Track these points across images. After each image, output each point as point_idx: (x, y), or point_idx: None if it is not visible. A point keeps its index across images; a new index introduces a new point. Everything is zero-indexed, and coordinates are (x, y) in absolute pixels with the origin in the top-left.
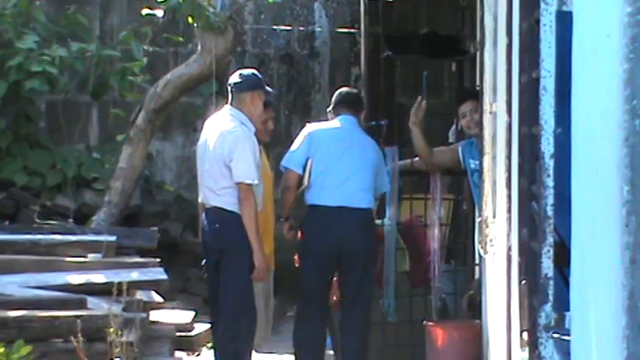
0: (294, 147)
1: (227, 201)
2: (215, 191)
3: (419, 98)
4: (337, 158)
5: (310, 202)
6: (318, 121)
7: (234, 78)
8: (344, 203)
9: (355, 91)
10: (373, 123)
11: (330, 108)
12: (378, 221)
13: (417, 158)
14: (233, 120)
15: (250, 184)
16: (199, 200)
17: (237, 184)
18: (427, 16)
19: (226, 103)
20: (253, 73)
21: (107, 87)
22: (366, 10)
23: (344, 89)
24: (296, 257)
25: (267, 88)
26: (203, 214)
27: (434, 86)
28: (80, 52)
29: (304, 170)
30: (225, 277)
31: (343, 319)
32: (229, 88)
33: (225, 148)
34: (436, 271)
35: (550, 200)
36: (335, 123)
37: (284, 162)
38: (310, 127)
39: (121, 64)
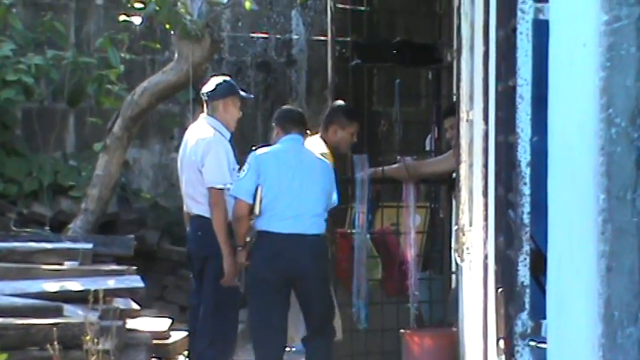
0: (242, 174)
1: (207, 209)
2: (195, 199)
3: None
4: (287, 184)
5: (260, 229)
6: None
7: (207, 87)
8: (295, 230)
9: (299, 110)
10: None
11: (278, 124)
12: (349, 230)
13: (390, 166)
14: (208, 128)
15: (221, 189)
16: (184, 209)
17: (208, 188)
18: (403, 24)
19: (202, 112)
20: (225, 81)
21: (83, 94)
22: (333, 18)
23: (289, 107)
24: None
25: (243, 93)
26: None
27: (410, 94)
28: (56, 59)
29: (254, 199)
30: (206, 284)
31: (307, 351)
32: (203, 98)
33: (199, 154)
34: (413, 279)
35: (526, 208)
36: (281, 145)
37: (232, 191)
38: (257, 153)
39: (97, 72)
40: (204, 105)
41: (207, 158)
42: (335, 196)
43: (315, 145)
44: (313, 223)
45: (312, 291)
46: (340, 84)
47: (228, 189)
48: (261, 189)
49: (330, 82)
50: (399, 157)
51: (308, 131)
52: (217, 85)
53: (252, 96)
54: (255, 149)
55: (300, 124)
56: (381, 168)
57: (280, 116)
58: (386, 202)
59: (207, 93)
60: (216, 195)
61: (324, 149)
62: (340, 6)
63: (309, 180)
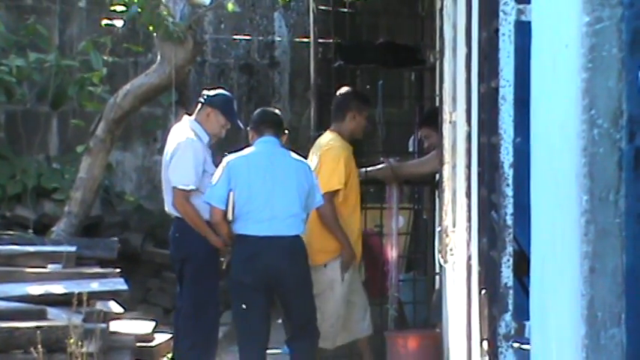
0: (214, 180)
1: None
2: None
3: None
4: (259, 187)
5: (237, 232)
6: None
7: (211, 91)
8: (271, 232)
9: (275, 111)
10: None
11: (252, 127)
12: None
13: (374, 167)
14: (186, 130)
15: (183, 190)
16: (166, 211)
17: (172, 188)
18: (386, 25)
19: (185, 113)
20: (227, 96)
21: (66, 97)
22: (315, 19)
23: (267, 109)
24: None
25: (235, 118)
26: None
27: (393, 96)
28: (38, 62)
29: (227, 205)
30: (185, 285)
31: (290, 353)
32: (201, 98)
33: (170, 155)
34: (393, 280)
35: (509, 209)
36: (254, 149)
37: (206, 197)
38: (228, 158)
39: (80, 75)
40: (196, 105)
41: (174, 158)
42: (318, 196)
43: (327, 140)
44: (289, 224)
45: (292, 292)
46: (323, 85)
47: (193, 189)
48: (233, 194)
49: (313, 83)
50: (382, 159)
51: (285, 132)
52: (217, 95)
53: (241, 127)
54: (228, 154)
55: (273, 126)
56: (364, 169)
57: (254, 119)
58: (369, 204)
59: (206, 95)
60: (178, 195)
61: (337, 142)
62: (323, 7)
63: (282, 181)
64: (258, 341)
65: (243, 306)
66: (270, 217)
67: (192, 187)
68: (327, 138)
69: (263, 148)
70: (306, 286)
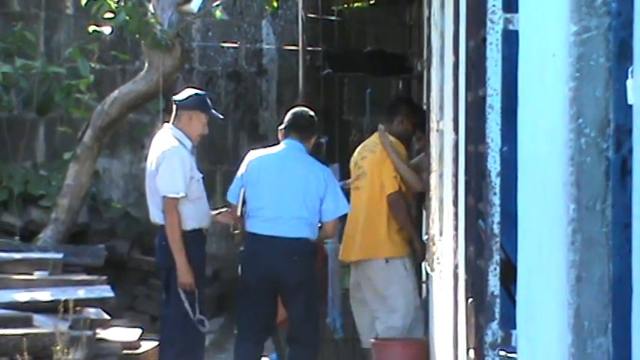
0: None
1: None
2: (158, 208)
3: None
4: (268, 186)
5: (247, 229)
6: (265, 141)
7: (179, 95)
8: (273, 232)
9: (309, 114)
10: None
11: (282, 127)
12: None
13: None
14: (168, 137)
15: (173, 198)
16: (151, 220)
17: (162, 197)
18: (374, 34)
19: (167, 121)
20: (197, 94)
21: (53, 104)
22: (304, 27)
23: (299, 111)
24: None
25: (213, 111)
26: None
27: (380, 104)
28: (25, 68)
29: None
30: (171, 293)
31: (289, 353)
32: (173, 104)
33: (155, 164)
34: None
35: (496, 218)
36: (274, 149)
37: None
38: (249, 155)
39: (67, 81)
40: (173, 113)
41: (161, 167)
42: (340, 204)
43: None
44: (293, 226)
45: (289, 295)
46: (311, 93)
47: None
48: (244, 190)
49: (301, 91)
50: None
51: (312, 137)
52: (189, 96)
53: (221, 116)
54: (253, 150)
55: (298, 130)
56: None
57: (286, 120)
58: None
59: (177, 101)
60: (168, 204)
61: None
62: (311, 15)
63: (291, 184)
64: (250, 340)
65: (240, 304)
66: (275, 217)
67: (182, 194)
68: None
69: (282, 150)
70: (305, 291)
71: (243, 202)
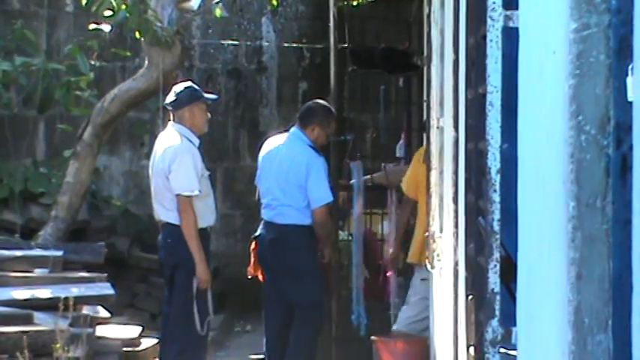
0: None
1: (177, 216)
2: (164, 206)
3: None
4: (266, 173)
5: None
6: (265, 138)
7: (169, 98)
8: (267, 217)
9: (316, 103)
10: (341, 138)
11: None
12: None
13: (377, 173)
14: (176, 135)
15: (189, 196)
16: (156, 217)
17: (176, 195)
18: (376, 30)
19: (169, 120)
20: (185, 88)
21: (53, 101)
22: (335, 25)
23: (312, 102)
24: (249, 269)
25: (207, 95)
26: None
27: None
28: (25, 66)
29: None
30: (175, 291)
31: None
32: (168, 108)
33: (166, 162)
34: (394, 286)
35: (497, 215)
36: (279, 137)
37: None
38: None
39: (67, 79)
40: (171, 114)
41: (174, 165)
42: (322, 193)
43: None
44: (280, 213)
45: (277, 278)
46: (316, 91)
47: (197, 195)
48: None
49: (333, 88)
50: (383, 164)
51: (311, 126)
52: (179, 94)
53: (216, 97)
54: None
55: (299, 119)
56: (369, 176)
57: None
58: (374, 209)
59: (170, 104)
60: (184, 202)
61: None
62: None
63: (278, 171)
64: (268, 325)
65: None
66: (268, 203)
67: (196, 192)
68: None
69: (284, 137)
70: (292, 276)
71: None
